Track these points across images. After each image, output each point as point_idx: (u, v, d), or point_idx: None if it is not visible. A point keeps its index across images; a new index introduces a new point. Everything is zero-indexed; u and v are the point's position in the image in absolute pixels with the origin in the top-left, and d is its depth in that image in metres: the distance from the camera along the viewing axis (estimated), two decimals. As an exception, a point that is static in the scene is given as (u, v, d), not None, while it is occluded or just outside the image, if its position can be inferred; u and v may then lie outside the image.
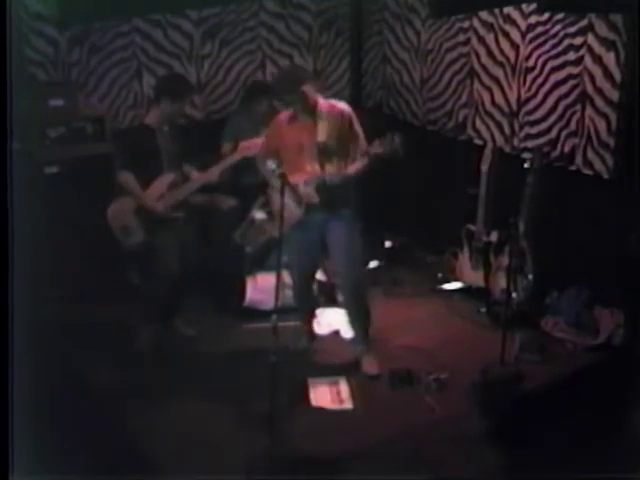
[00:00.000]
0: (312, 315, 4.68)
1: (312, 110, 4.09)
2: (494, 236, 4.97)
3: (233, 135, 5.26)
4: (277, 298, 3.73)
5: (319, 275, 4.90)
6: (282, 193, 3.81)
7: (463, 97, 5.64)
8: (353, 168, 4.09)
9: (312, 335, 4.68)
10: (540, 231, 4.79)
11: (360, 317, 4.43)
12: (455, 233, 5.23)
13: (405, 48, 6.03)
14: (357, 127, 4.14)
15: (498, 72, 5.32)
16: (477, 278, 5.11)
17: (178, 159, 4.47)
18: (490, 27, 5.31)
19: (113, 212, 4.41)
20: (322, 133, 4.05)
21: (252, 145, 4.52)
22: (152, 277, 4.49)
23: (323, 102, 4.14)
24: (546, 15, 4.85)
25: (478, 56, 5.45)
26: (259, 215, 5.10)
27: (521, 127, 5.21)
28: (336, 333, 4.78)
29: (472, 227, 5.13)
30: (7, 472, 2.63)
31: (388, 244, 5.72)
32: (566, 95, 4.87)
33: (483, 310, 4.95)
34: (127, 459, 3.63)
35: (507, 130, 5.33)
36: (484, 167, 5.04)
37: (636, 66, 4.36)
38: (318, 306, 4.79)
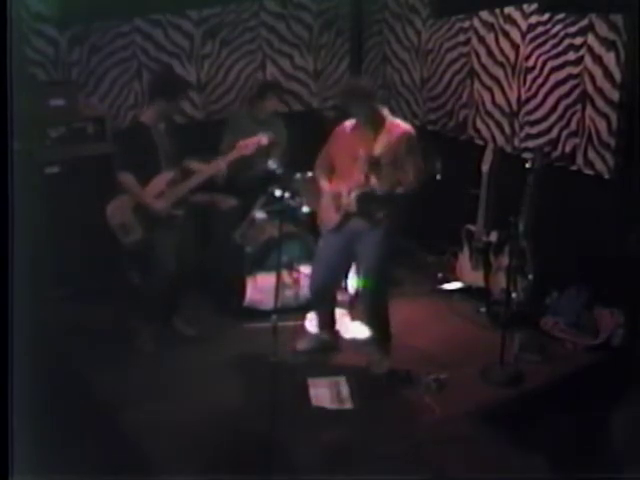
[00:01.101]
0: (333, 320, 4.66)
1: (376, 124, 4.11)
2: (494, 236, 4.97)
3: (233, 135, 5.26)
4: (277, 298, 3.73)
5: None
6: (282, 193, 3.83)
7: (463, 97, 5.64)
8: (401, 189, 4.06)
9: (333, 341, 4.67)
10: (540, 231, 4.79)
11: (379, 323, 4.43)
12: (455, 233, 5.24)
13: (405, 48, 6.03)
14: (418, 152, 4.10)
15: (498, 72, 5.33)
16: (477, 278, 5.12)
17: (175, 157, 4.47)
18: (490, 27, 5.31)
19: (112, 210, 4.41)
20: (379, 147, 4.06)
21: (250, 144, 4.52)
22: (151, 276, 4.49)
23: (390, 119, 4.16)
24: (546, 15, 4.85)
25: (478, 56, 5.45)
26: (259, 215, 5.10)
27: (521, 127, 5.22)
28: (336, 333, 4.78)
29: (472, 227, 5.13)
30: (7, 472, 2.63)
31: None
32: (566, 95, 4.87)
33: (483, 310, 4.95)
34: (127, 459, 3.63)
35: (508, 130, 5.33)
36: (485, 167, 5.04)
37: (636, 66, 4.36)
38: (334, 309, 4.76)
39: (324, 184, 4.29)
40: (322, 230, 4.40)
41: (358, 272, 4.74)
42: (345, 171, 4.17)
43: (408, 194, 4.09)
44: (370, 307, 4.42)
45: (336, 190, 4.20)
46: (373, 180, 4.06)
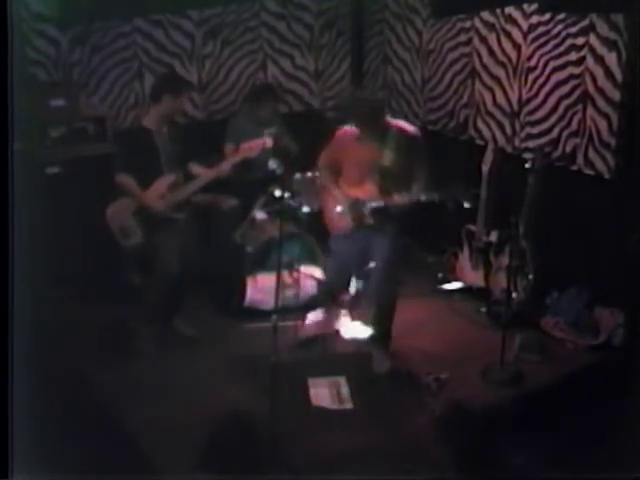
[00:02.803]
0: (329, 315, 4.70)
1: (381, 131, 4.11)
2: (494, 236, 4.97)
3: (235, 136, 5.27)
4: (277, 298, 3.73)
5: (318, 274, 4.91)
6: (282, 193, 3.85)
7: (464, 97, 5.64)
8: (413, 198, 4.08)
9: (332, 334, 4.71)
10: (540, 231, 4.79)
11: (384, 322, 4.44)
12: (455, 233, 5.24)
13: (406, 48, 6.03)
14: (424, 153, 4.13)
15: (499, 72, 5.32)
16: (477, 278, 5.11)
17: (177, 160, 4.48)
18: (492, 27, 5.31)
19: (112, 213, 4.42)
20: (388, 157, 4.07)
21: (254, 146, 4.52)
22: (153, 277, 4.49)
23: (395, 123, 4.16)
24: (547, 15, 4.85)
25: (480, 56, 5.45)
26: (260, 215, 5.11)
27: (522, 127, 5.21)
28: (336, 333, 4.78)
29: (472, 227, 5.13)
30: (7, 472, 2.63)
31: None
32: (567, 95, 4.87)
33: (483, 310, 4.95)
34: (127, 459, 3.63)
35: (508, 130, 5.33)
36: (485, 167, 5.03)
37: (637, 66, 4.36)
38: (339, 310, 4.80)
39: (333, 188, 4.29)
40: (332, 232, 4.43)
41: (359, 274, 4.77)
42: (354, 178, 4.19)
43: (419, 201, 4.12)
44: (378, 306, 4.42)
45: (352, 198, 4.20)
46: (387, 192, 4.07)
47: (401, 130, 4.14)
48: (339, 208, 4.27)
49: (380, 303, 4.40)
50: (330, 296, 4.64)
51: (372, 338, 4.51)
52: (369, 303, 4.63)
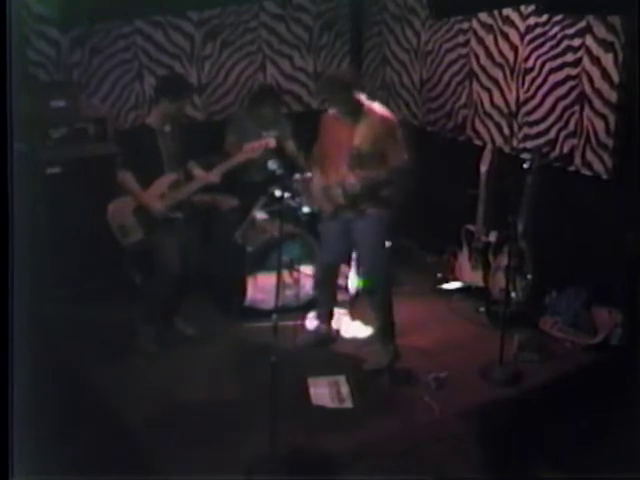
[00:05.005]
0: (331, 314, 4.70)
1: (355, 111, 4.12)
2: (493, 236, 4.98)
3: (237, 135, 5.28)
4: (277, 298, 3.74)
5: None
6: (282, 193, 3.86)
7: (462, 98, 5.65)
8: (375, 175, 4.10)
9: (331, 335, 4.71)
10: (539, 231, 4.80)
11: (382, 315, 4.46)
12: (455, 233, 5.25)
13: (405, 49, 6.05)
14: (399, 138, 4.13)
15: (497, 73, 5.34)
16: (476, 278, 5.13)
17: (179, 160, 4.49)
18: (489, 28, 5.33)
19: (112, 210, 4.43)
20: (358, 136, 4.08)
21: (257, 146, 4.53)
22: (154, 277, 4.50)
23: (368, 104, 4.16)
24: (545, 17, 4.87)
25: (477, 57, 5.47)
26: (260, 215, 5.12)
27: (520, 128, 5.23)
28: (336, 333, 4.79)
29: (471, 227, 5.14)
30: (7, 472, 2.64)
31: (388, 244, 5.71)
32: (565, 96, 4.89)
33: (482, 310, 4.96)
34: (127, 459, 3.64)
35: (506, 131, 5.34)
36: (483, 167, 5.05)
37: (634, 67, 4.37)
38: (336, 305, 4.79)
39: (315, 176, 4.33)
40: (321, 215, 4.50)
41: (358, 271, 4.78)
42: (333, 162, 4.21)
43: (394, 181, 4.13)
44: (372, 295, 4.44)
45: (325, 183, 4.25)
46: (357, 172, 4.08)
47: (373, 112, 4.13)
48: (316, 192, 4.31)
49: (373, 292, 4.40)
50: (323, 279, 4.59)
51: (374, 336, 4.52)
52: (363, 291, 4.63)
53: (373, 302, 4.49)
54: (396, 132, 4.14)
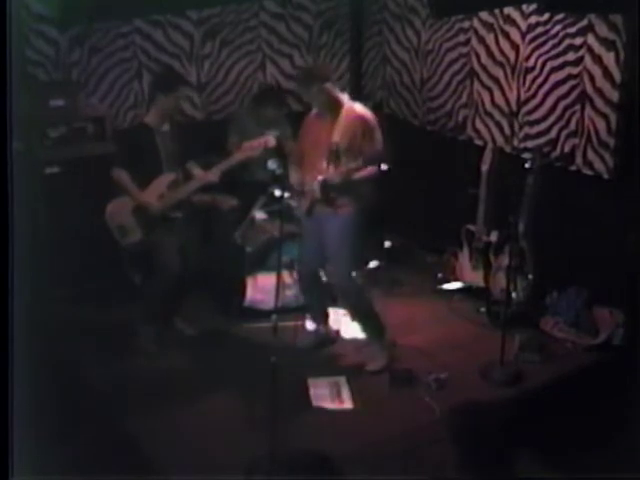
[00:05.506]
0: (326, 314, 4.69)
1: (334, 109, 4.13)
2: (494, 236, 4.97)
3: (238, 134, 5.27)
4: (277, 298, 3.73)
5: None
6: (282, 193, 3.84)
7: (463, 97, 5.64)
8: (357, 172, 4.07)
9: (331, 335, 4.70)
10: (540, 231, 4.79)
11: (361, 317, 4.45)
12: (455, 233, 5.24)
13: (405, 48, 6.04)
14: (376, 136, 4.12)
15: (498, 72, 5.33)
16: (477, 278, 5.12)
17: (177, 159, 4.48)
18: (490, 27, 5.32)
19: (111, 211, 4.43)
20: (337, 133, 4.08)
21: (256, 145, 4.51)
22: (154, 277, 4.49)
23: (347, 103, 4.17)
24: (546, 15, 4.86)
25: (478, 56, 5.46)
26: (259, 215, 5.11)
27: (521, 127, 5.22)
28: (336, 333, 4.78)
29: (472, 227, 5.13)
30: (7, 472, 2.63)
31: (388, 244, 5.72)
32: (566, 95, 4.88)
33: (483, 310, 4.95)
34: (127, 459, 3.63)
35: (507, 130, 5.33)
36: (484, 167, 5.04)
37: (636, 66, 4.37)
38: (330, 305, 4.76)
39: (292, 174, 4.28)
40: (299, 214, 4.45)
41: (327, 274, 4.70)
42: (310, 160, 4.21)
43: (369, 180, 4.11)
44: (342, 296, 4.43)
45: (302, 179, 4.24)
46: (332, 167, 4.07)
47: (352, 110, 4.14)
48: (293, 189, 4.30)
49: (344, 294, 4.38)
50: (306, 280, 4.54)
51: (368, 338, 4.51)
52: (339, 297, 4.59)
53: (346, 306, 4.47)
54: (374, 132, 4.14)
